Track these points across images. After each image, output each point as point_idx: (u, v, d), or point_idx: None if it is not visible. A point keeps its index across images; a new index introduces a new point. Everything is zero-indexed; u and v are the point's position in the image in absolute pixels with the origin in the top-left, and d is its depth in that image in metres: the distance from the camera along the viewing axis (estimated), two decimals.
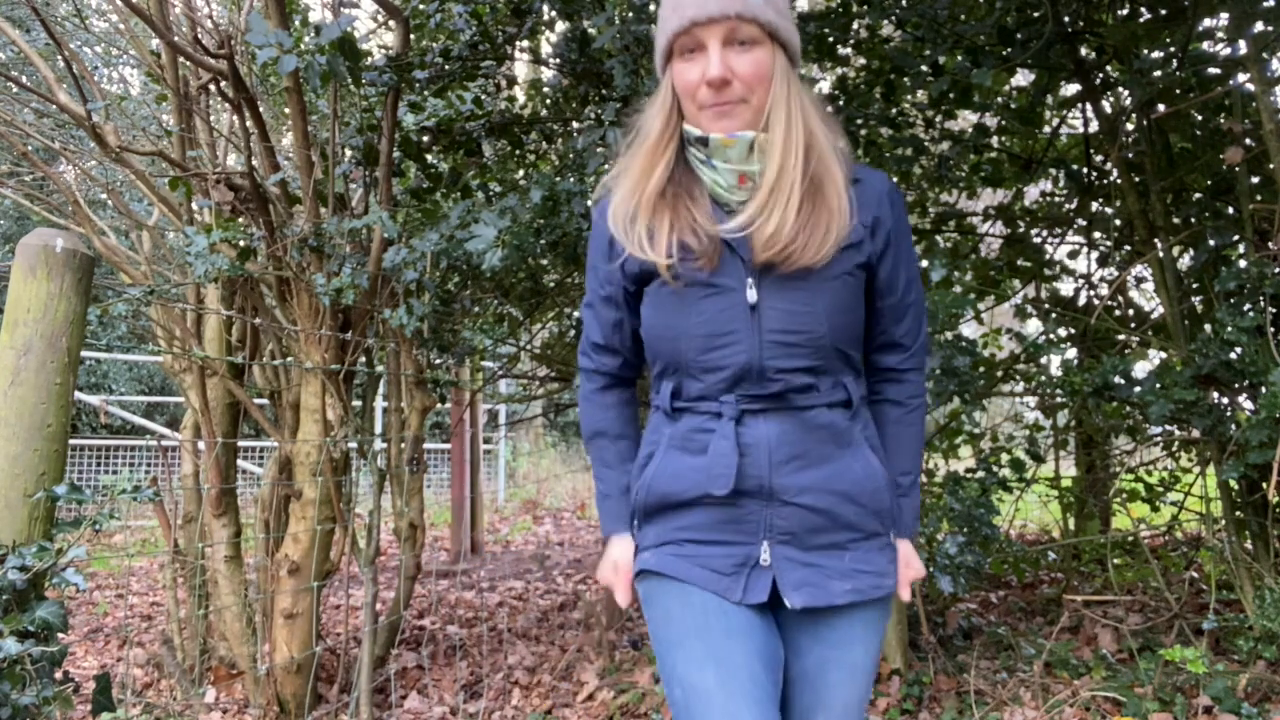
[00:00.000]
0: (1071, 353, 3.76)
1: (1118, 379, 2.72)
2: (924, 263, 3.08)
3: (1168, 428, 3.23)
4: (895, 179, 3.10)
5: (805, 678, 1.34)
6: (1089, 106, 3.33)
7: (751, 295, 1.27)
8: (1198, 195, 3.29)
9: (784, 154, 1.25)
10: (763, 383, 1.27)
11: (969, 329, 5.55)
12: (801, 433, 1.28)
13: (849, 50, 3.29)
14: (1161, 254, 2.97)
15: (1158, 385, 2.64)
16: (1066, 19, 3.01)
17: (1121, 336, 3.66)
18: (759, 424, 1.28)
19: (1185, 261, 3.42)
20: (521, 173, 3.86)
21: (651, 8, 2.65)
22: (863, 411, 1.35)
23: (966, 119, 3.75)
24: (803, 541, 1.28)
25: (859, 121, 3.04)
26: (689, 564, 1.30)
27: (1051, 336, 3.71)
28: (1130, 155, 3.18)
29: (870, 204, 1.32)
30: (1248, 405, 2.76)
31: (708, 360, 1.28)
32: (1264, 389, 2.44)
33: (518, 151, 3.69)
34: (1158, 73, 3.01)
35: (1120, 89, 3.34)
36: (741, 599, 1.27)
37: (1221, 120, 3.11)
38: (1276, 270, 2.58)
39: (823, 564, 1.29)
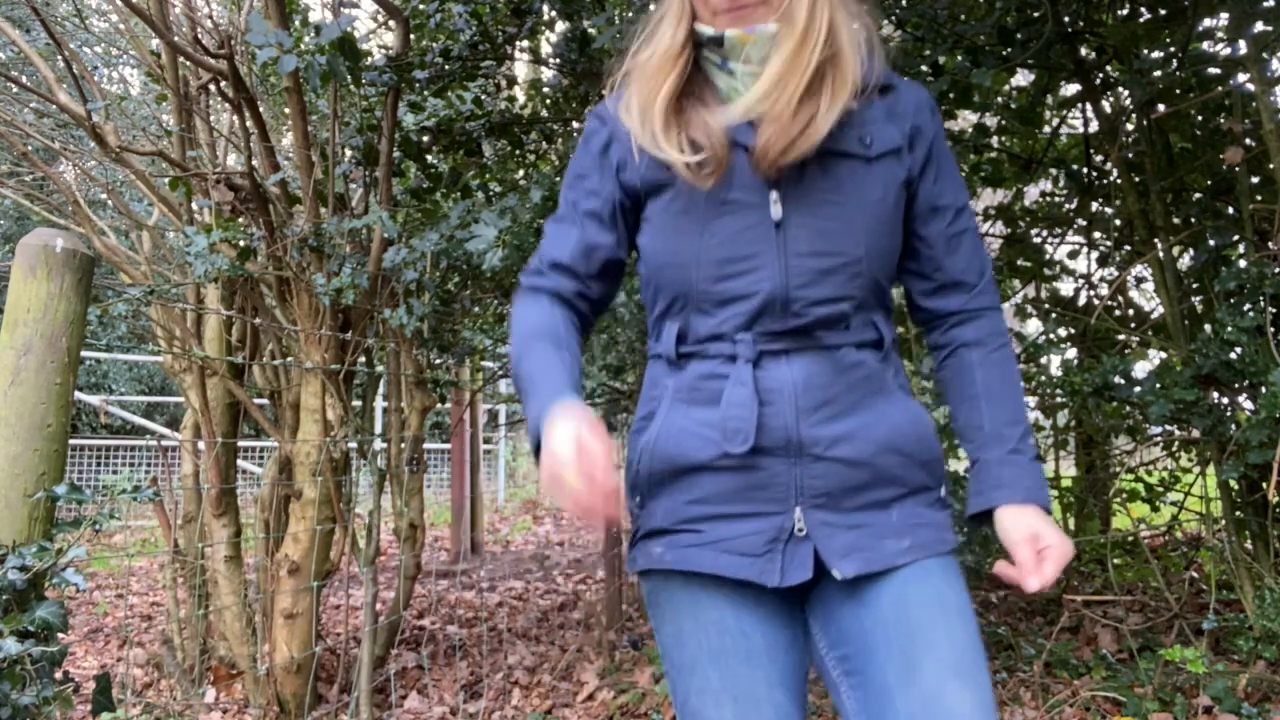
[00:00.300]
0: (1071, 353, 3.77)
1: (1118, 379, 2.72)
2: None
3: (1168, 428, 3.23)
4: None
5: (884, 627, 1.04)
6: (1089, 106, 3.34)
7: (776, 211, 1.07)
8: (1198, 195, 3.29)
9: (799, 46, 1.05)
10: (787, 317, 1.07)
11: None
12: (831, 375, 1.07)
13: None
14: (1161, 254, 2.97)
15: (1158, 385, 2.64)
16: (1066, 19, 3.01)
17: (1121, 336, 3.66)
18: (781, 366, 1.07)
19: (1185, 261, 3.42)
20: (521, 173, 3.86)
21: (651, 8, 2.65)
22: (894, 357, 1.15)
23: (966, 119, 3.75)
24: (840, 504, 1.07)
25: None
26: (713, 552, 1.07)
27: (1051, 336, 3.72)
28: (1130, 155, 3.18)
29: (907, 113, 1.13)
30: (1248, 405, 2.76)
31: (724, 290, 1.08)
32: (1264, 389, 2.44)
33: (518, 151, 3.69)
34: (1158, 73, 3.01)
35: (1120, 89, 3.34)
36: (780, 581, 1.05)
37: (1221, 120, 3.11)
38: (1276, 270, 2.58)
39: (869, 523, 1.07)
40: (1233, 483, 2.85)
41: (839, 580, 1.06)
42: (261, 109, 2.91)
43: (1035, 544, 1.06)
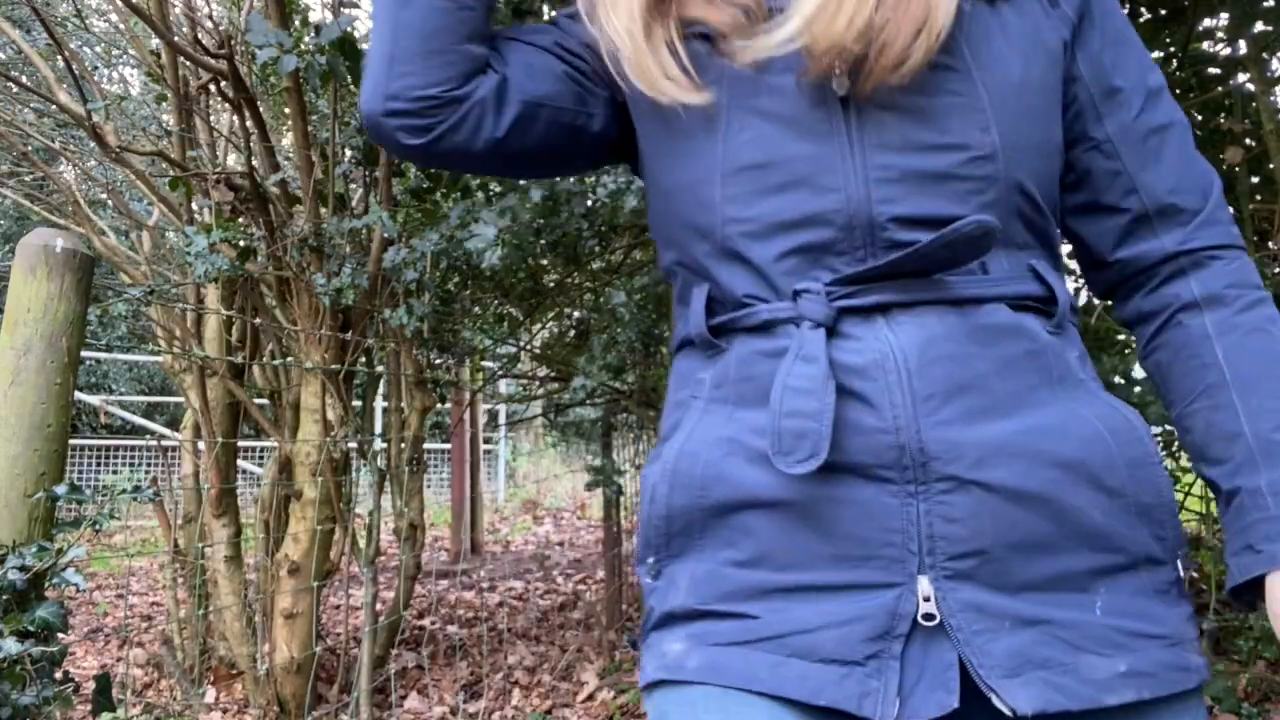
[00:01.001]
0: None
1: (1118, 379, 2.72)
2: None
3: (1167, 428, 3.23)
4: None
5: None
6: None
7: (840, 84, 0.67)
8: None
9: None
10: (874, 248, 0.66)
11: None
12: (968, 343, 0.64)
13: None
14: None
15: None
16: None
17: (1121, 336, 3.66)
18: (878, 329, 0.65)
19: None
20: None
21: None
22: (1075, 334, 0.71)
23: None
24: (1005, 572, 0.62)
25: None
26: (773, 656, 0.63)
27: None
28: None
29: None
30: None
31: (766, 213, 0.67)
32: None
33: None
34: None
35: None
36: (897, 714, 0.60)
37: (1221, 120, 3.11)
38: (1276, 270, 2.58)
39: (1058, 617, 0.62)
40: None
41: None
42: (261, 109, 2.91)
43: None
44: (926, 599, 0.62)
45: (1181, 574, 0.67)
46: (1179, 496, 3.39)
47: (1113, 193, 0.73)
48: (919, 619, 0.62)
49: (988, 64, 0.67)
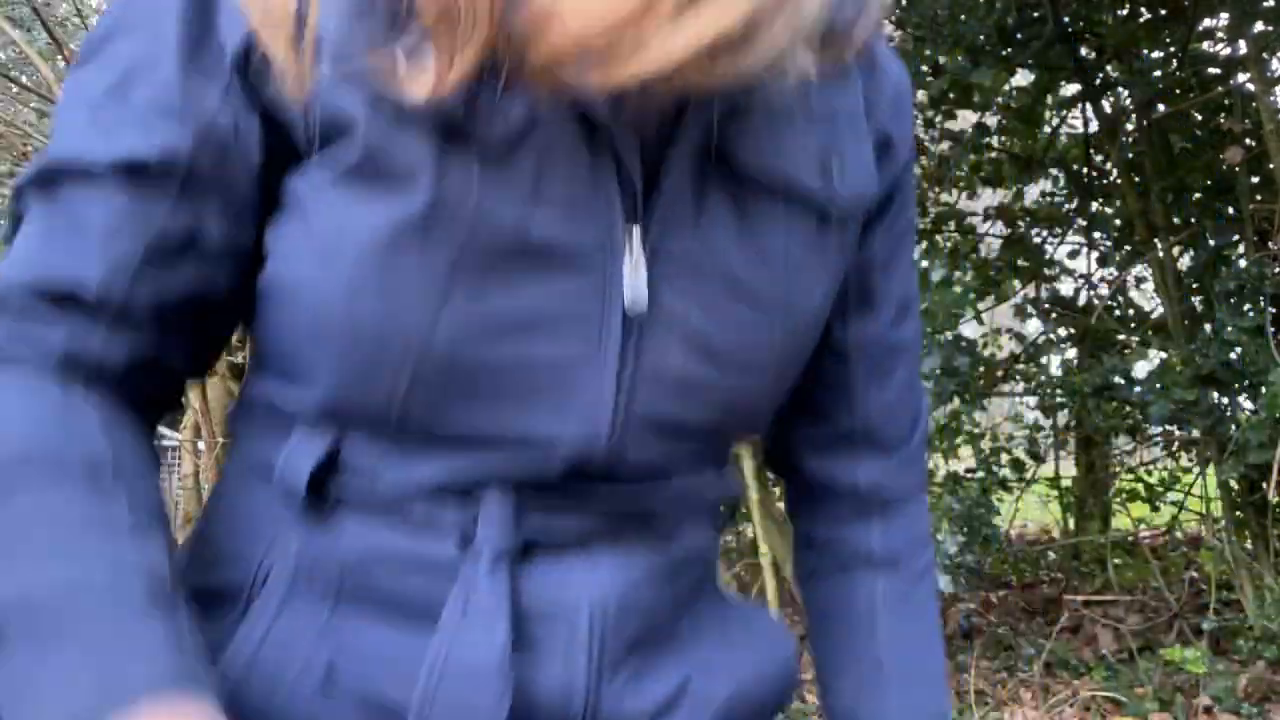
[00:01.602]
0: (1071, 353, 3.77)
1: (1118, 379, 2.72)
2: (923, 263, 3.08)
3: (1168, 428, 3.23)
4: None
5: None
6: (1089, 106, 3.34)
7: (634, 276, 0.46)
8: (1198, 195, 3.29)
9: None
10: (594, 481, 0.49)
11: (969, 329, 5.55)
12: (659, 584, 0.52)
13: None
14: (1161, 254, 2.97)
15: (1158, 385, 2.65)
16: (1066, 19, 3.01)
17: (1121, 336, 3.66)
18: (571, 565, 0.50)
19: (1185, 261, 3.43)
20: None
21: None
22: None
23: (966, 119, 3.76)
24: None
25: None
26: None
27: (1051, 336, 3.72)
28: (1130, 155, 3.19)
29: (884, 108, 0.56)
30: (1248, 405, 2.76)
31: (469, 426, 0.47)
32: (1264, 389, 2.45)
33: None
34: (1158, 73, 3.02)
35: (1120, 89, 3.34)
36: None
37: (1221, 120, 3.12)
38: (1276, 270, 2.59)
39: None
40: (1233, 483, 2.86)
41: None
42: None
43: None
44: None
45: None
46: (1179, 497, 3.39)
47: (828, 400, 0.61)
48: None
49: (796, 291, 0.52)
